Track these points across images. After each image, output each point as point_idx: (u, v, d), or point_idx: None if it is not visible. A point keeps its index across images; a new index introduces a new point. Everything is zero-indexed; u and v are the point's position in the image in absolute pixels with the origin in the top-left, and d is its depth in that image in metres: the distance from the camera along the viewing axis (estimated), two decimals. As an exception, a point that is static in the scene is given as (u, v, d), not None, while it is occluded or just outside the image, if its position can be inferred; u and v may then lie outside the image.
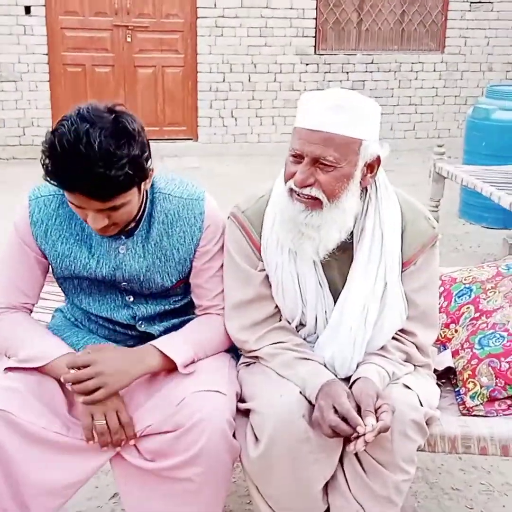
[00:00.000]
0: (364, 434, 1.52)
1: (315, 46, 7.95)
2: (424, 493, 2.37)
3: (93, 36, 7.54)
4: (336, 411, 1.56)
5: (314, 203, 1.65)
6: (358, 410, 1.58)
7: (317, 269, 1.75)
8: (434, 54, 8.29)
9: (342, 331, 1.73)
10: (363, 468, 1.67)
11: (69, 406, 1.72)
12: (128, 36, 7.60)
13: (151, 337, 1.87)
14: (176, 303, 1.90)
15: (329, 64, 8.02)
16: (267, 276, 1.79)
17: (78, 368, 1.65)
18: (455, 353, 2.09)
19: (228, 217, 1.83)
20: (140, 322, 1.87)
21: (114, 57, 7.66)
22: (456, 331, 2.17)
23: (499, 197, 3.92)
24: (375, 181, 1.73)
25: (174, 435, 1.63)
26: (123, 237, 1.77)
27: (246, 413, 1.71)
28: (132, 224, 1.76)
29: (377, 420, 1.54)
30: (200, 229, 1.80)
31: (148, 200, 1.77)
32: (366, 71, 8.12)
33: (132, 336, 1.89)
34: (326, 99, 1.62)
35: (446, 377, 2.06)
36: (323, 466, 1.66)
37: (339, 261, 1.74)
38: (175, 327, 1.88)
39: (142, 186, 1.67)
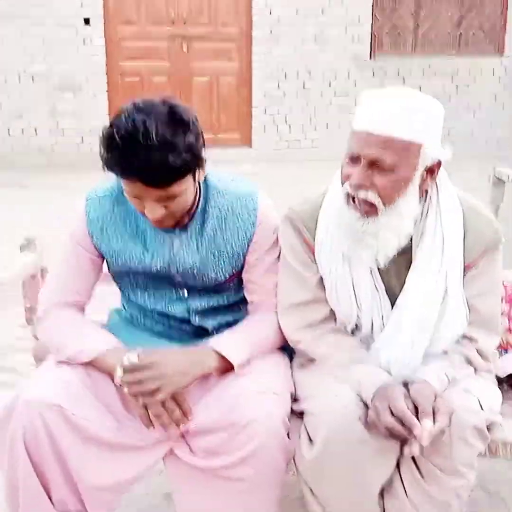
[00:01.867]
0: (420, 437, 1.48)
1: (370, 52, 7.90)
2: (483, 501, 2.30)
3: (150, 46, 7.67)
4: (392, 413, 1.53)
5: (370, 210, 1.61)
6: (416, 412, 1.53)
7: (373, 273, 1.72)
8: (493, 58, 8.14)
9: (399, 337, 1.69)
10: (420, 473, 1.63)
11: (122, 399, 1.71)
12: (185, 45, 7.70)
13: (205, 332, 1.88)
14: (229, 298, 1.90)
15: (385, 70, 7.96)
16: (322, 279, 1.77)
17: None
18: (517, 358, 2.02)
19: (283, 220, 1.81)
20: (194, 316, 1.88)
21: (171, 66, 7.78)
22: (518, 336, 2.11)
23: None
24: (436, 182, 1.68)
25: (228, 434, 1.62)
26: (177, 231, 1.79)
27: (300, 414, 1.69)
28: (186, 219, 1.77)
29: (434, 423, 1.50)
30: (253, 225, 1.80)
31: (202, 196, 1.79)
32: (423, 76, 8.02)
33: (187, 331, 1.90)
34: (386, 100, 1.58)
35: (508, 383, 1.99)
36: (380, 469, 1.63)
37: (396, 264, 1.70)
38: (228, 325, 1.88)
39: (197, 175, 1.68)
